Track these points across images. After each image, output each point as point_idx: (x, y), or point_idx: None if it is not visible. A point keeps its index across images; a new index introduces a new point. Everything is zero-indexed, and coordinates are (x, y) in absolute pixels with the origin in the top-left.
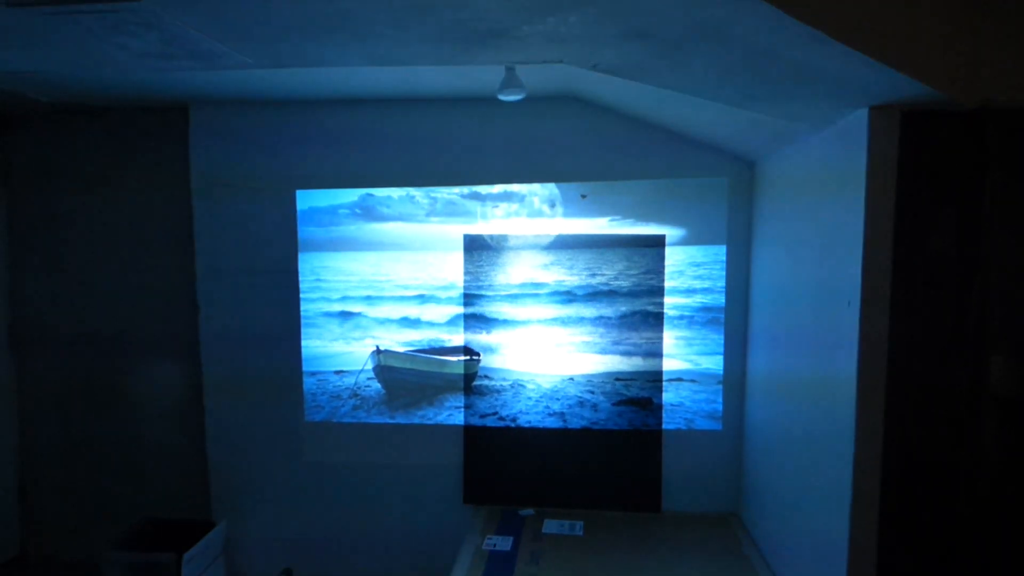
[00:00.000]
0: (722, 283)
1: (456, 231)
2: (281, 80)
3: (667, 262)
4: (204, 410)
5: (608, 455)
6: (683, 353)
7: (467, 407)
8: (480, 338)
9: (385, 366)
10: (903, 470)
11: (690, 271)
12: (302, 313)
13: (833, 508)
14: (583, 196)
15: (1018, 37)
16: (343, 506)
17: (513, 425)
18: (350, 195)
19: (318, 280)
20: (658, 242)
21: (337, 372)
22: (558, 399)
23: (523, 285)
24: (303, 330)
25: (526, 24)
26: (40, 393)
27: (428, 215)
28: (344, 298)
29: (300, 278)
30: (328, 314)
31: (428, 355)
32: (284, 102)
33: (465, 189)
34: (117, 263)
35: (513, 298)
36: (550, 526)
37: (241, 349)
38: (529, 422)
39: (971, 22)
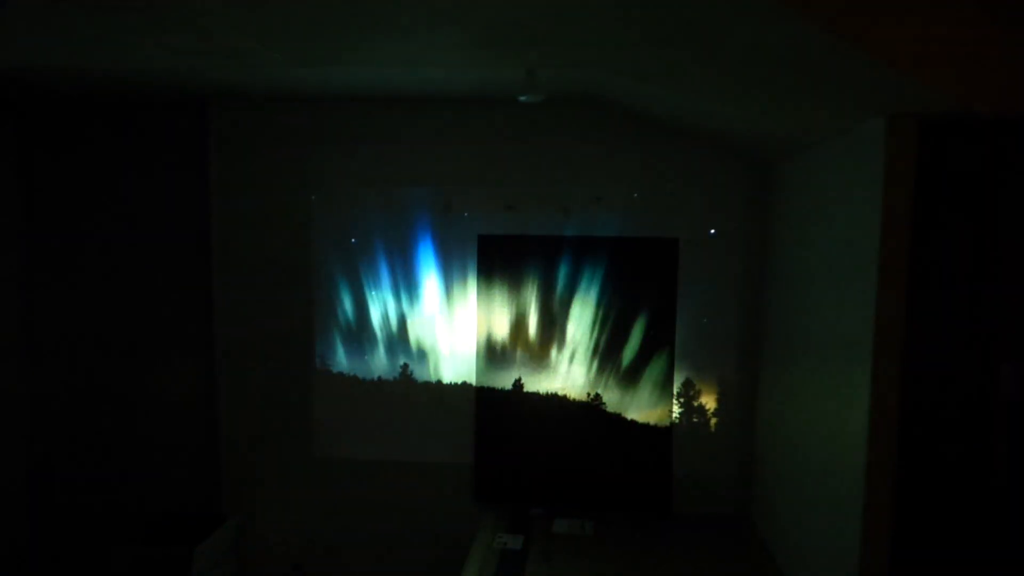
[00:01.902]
0: (735, 286)
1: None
2: (302, 78)
3: (680, 265)
4: (218, 406)
5: (619, 455)
6: (696, 354)
7: (479, 405)
8: (491, 337)
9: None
10: (915, 473)
11: (703, 274)
12: (316, 312)
13: (845, 511)
14: (598, 199)
15: None
16: (354, 503)
17: (524, 424)
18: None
19: (333, 279)
20: (672, 246)
21: (351, 372)
22: (569, 399)
23: (537, 286)
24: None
25: (557, 29)
26: (54, 388)
27: (444, 211)
28: (358, 297)
29: (316, 277)
30: (342, 313)
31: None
32: (305, 100)
33: (481, 189)
34: (134, 259)
35: (526, 299)
36: (560, 525)
37: (256, 347)
38: (541, 421)
39: (988, 33)
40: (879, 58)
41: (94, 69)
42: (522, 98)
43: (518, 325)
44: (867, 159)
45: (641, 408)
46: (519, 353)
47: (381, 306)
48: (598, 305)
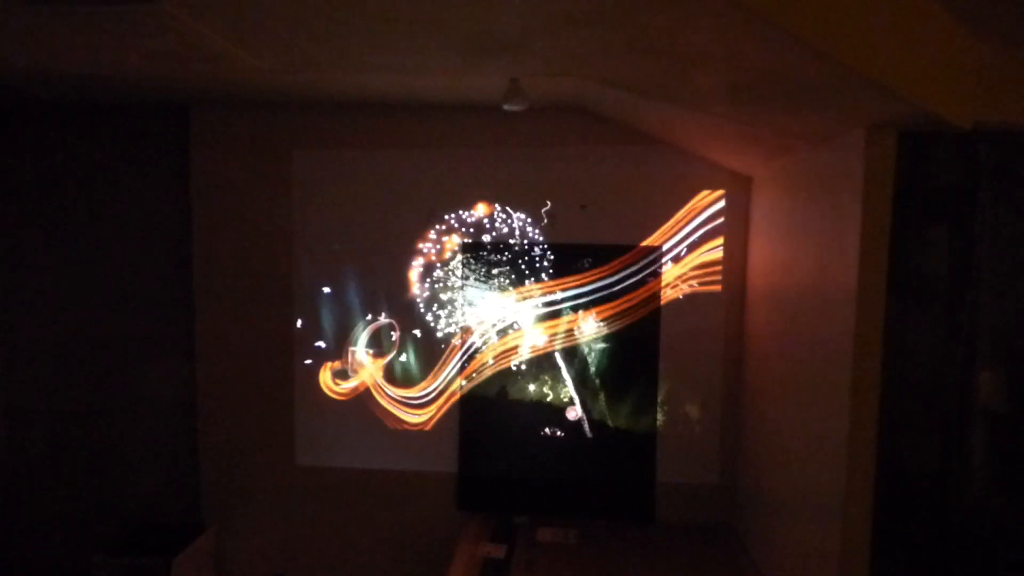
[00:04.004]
0: (720, 294)
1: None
2: (284, 82)
3: (664, 272)
4: (197, 413)
5: (602, 464)
6: (680, 363)
7: (463, 413)
8: (475, 344)
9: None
10: (894, 480)
11: (686, 281)
12: (299, 319)
13: (825, 518)
14: (583, 207)
15: (1010, 63)
16: (336, 511)
17: (508, 432)
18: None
19: (316, 285)
20: (655, 253)
21: (334, 377)
22: (554, 406)
23: (521, 293)
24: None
25: (539, 39)
26: (30, 394)
27: (427, 218)
28: (341, 304)
29: (298, 283)
30: (325, 320)
31: None
32: (286, 105)
33: (465, 195)
34: (113, 264)
35: (510, 306)
36: (544, 534)
37: (236, 352)
38: (523, 429)
39: (967, 48)
40: (859, 72)
41: (75, 73)
42: (506, 106)
43: (502, 332)
44: (847, 168)
45: (625, 416)
46: (503, 360)
47: (364, 313)
48: (583, 312)
